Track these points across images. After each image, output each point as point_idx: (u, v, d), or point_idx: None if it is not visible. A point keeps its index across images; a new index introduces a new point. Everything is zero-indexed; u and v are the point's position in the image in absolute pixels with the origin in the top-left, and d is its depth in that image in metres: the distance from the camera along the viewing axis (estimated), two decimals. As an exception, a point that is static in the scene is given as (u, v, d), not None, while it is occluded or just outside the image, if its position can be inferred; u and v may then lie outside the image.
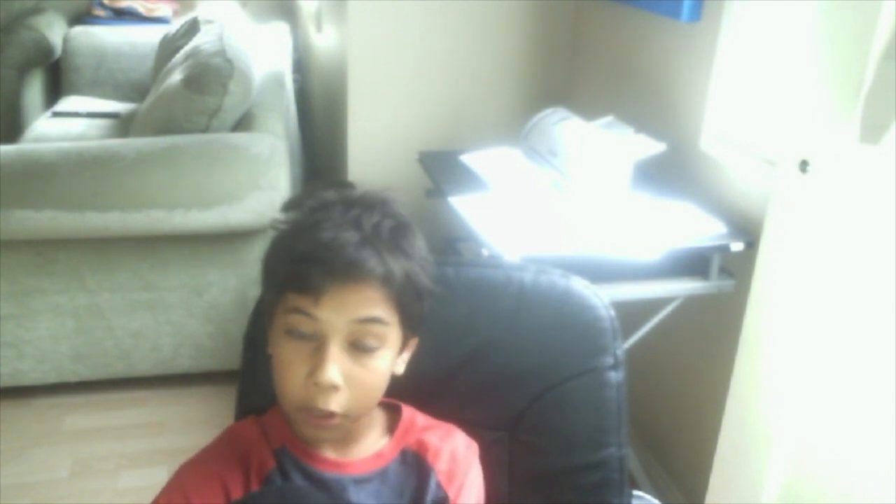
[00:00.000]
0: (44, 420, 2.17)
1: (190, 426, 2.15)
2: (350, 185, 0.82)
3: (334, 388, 0.74)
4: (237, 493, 0.80)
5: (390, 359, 0.79)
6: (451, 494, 0.85)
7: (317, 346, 0.75)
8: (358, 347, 0.76)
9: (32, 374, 2.19)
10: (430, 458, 0.86)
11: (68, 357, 2.19)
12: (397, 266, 0.76)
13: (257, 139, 2.13)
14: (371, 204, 0.79)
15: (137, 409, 2.24)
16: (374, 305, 0.75)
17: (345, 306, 0.74)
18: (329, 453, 0.83)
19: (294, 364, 0.75)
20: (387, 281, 0.75)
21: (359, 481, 0.83)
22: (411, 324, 0.81)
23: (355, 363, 0.76)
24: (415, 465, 0.86)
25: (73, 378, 2.22)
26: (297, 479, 0.82)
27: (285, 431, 0.84)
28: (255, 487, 0.81)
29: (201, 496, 0.79)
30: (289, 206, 0.80)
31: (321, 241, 0.74)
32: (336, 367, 0.74)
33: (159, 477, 1.91)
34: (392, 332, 0.78)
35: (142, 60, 3.59)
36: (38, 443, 2.08)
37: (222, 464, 0.82)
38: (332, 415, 0.76)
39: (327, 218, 0.76)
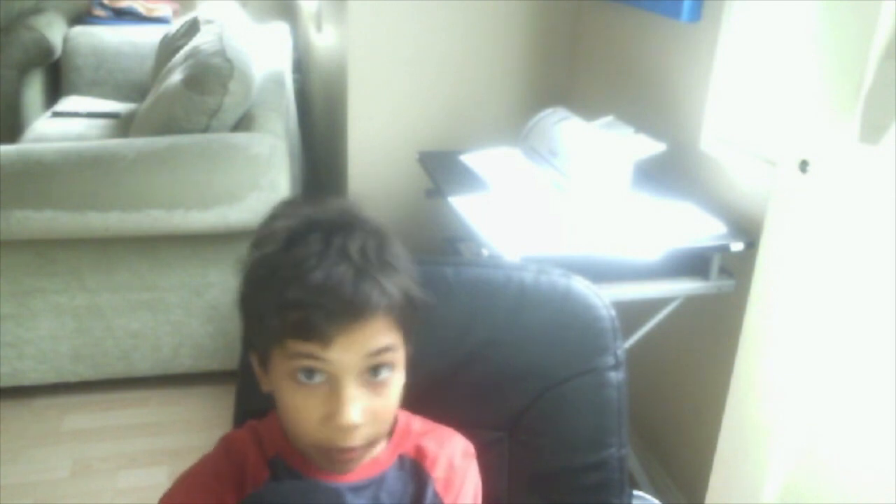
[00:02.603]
0: (44, 420, 2.17)
1: (190, 426, 2.15)
2: (297, 202, 0.78)
3: (353, 427, 0.72)
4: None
5: (401, 379, 0.78)
6: (447, 502, 0.84)
7: (330, 387, 0.72)
8: (371, 378, 0.73)
9: (32, 374, 2.19)
10: (427, 465, 0.85)
11: (68, 357, 2.19)
12: (394, 288, 0.73)
13: (257, 139, 2.13)
14: (348, 225, 0.74)
15: (137, 409, 2.24)
16: (382, 335, 0.73)
17: (354, 345, 0.71)
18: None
19: (308, 409, 0.72)
20: (389, 307, 0.72)
21: (356, 489, 0.82)
22: (411, 337, 0.79)
23: (371, 394, 0.74)
24: (412, 473, 0.85)
25: (72, 378, 2.22)
26: None
27: (280, 440, 0.83)
28: None
29: None
30: (257, 244, 0.75)
31: (316, 284, 0.69)
32: (356, 407, 0.71)
33: (159, 477, 1.91)
34: (399, 354, 0.76)
35: (142, 60, 3.59)
36: (38, 443, 2.08)
37: (219, 478, 0.81)
38: (354, 449, 0.74)
39: (310, 253, 0.71)
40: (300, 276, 0.70)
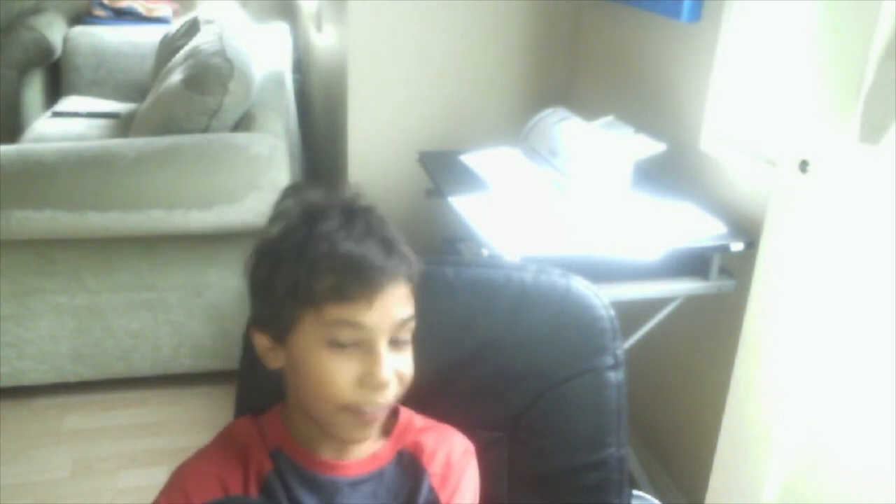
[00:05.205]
0: (44, 420, 2.17)
1: (190, 426, 2.15)
2: (302, 185, 0.85)
3: (388, 384, 0.78)
4: (237, 493, 0.80)
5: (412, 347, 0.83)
6: (443, 498, 0.85)
7: (364, 350, 0.77)
8: (396, 344, 0.79)
9: (32, 374, 2.19)
10: (424, 460, 0.86)
11: (68, 357, 2.19)
12: (412, 261, 0.81)
13: (257, 139, 2.13)
14: (360, 206, 0.82)
15: (137, 409, 2.24)
16: (407, 304, 0.80)
17: (388, 311, 0.77)
18: (326, 455, 0.83)
19: (343, 371, 0.77)
20: (411, 278, 0.81)
21: (355, 483, 0.83)
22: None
23: (397, 359, 0.79)
24: (410, 467, 0.86)
25: (73, 378, 2.22)
26: (294, 483, 0.82)
27: (282, 433, 0.84)
28: (253, 489, 0.81)
29: (202, 496, 0.79)
30: (273, 221, 0.82)
31: (351, 252, 0.76)
32: (389, 366, 0.78)
33: (159, 477, 1.88)
34: (413, 325, 0.82)
35: (142, 60, 3.59)
36: (38, 443, 2.08)
37: (221, 464, 0.82)
38: (380, 411, 0.79)
39: (335, 227, 0.77)
40: (333, 245, 0.76)
